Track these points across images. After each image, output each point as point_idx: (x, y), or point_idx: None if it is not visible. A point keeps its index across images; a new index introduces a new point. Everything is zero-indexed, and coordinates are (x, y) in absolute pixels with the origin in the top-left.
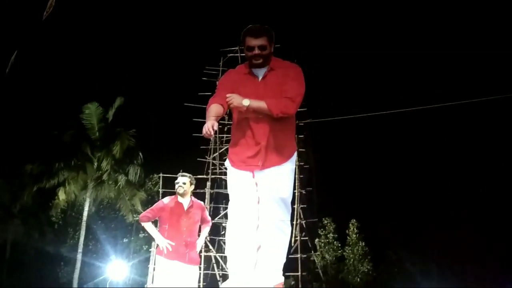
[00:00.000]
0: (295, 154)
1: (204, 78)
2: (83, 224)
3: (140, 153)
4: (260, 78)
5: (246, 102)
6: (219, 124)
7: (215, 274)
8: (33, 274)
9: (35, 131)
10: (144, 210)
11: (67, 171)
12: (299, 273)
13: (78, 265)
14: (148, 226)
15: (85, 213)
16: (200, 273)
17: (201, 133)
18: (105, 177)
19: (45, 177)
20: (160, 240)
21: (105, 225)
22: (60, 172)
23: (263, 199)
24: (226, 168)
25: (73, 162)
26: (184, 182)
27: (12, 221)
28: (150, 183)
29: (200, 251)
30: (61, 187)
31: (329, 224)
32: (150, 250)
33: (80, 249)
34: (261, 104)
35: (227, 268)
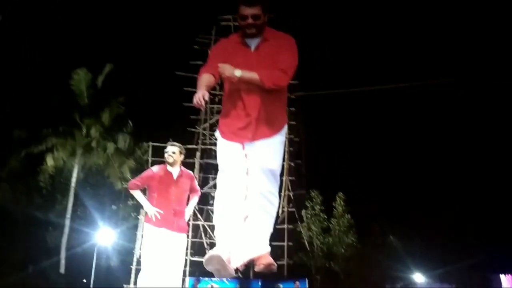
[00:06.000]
0: (286, 126)
1: (196, 47)
2: (72, 190)
3: (130, 121)
4: (253, 48)
5: (237, 72)
6: (210, 94)
7: (202, 242)
8: (21, 239)
9: (23, 96)
10: (133, 178)
11: (55, 137)
12: (285, 243)
13: (66, 230)
14: (137, 194)
15: (74, 179)
16: (188, 241)
17: (192, 103)
18: (93, 144)
19: (33, 142)
20: (148, 208)
21: (93, 191)
22: (48, 138)
23: (252, 170)
24: (216, 139)
25: (61, 129)
26: (173, 151)
27: (0, 185)
28: (139, 151)
29: (189, 220)
30: (49, 153)
31: (316, 196)
32: (138, 217)
33: (68, 215)
34: (253, 75)
35: (214, 237)
